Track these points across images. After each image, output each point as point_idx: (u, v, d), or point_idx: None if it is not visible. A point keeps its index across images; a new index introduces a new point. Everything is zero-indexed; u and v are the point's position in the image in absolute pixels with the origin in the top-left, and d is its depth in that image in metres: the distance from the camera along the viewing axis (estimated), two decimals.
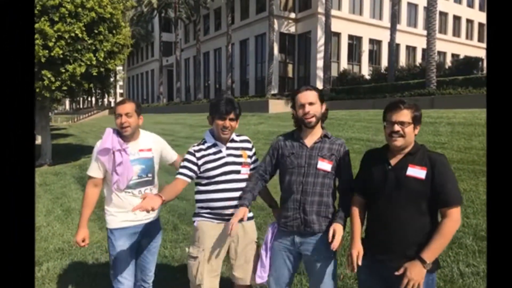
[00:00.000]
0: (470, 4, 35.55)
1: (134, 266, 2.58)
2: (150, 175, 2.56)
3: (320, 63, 23.84)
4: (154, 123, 20.52)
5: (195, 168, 2.32)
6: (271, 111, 19.78)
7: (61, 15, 9.56)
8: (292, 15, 26.85)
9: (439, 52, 27.89)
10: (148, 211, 1.93)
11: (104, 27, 10.35)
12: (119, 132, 2.47)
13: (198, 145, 2.40)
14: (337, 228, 2.04)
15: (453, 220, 1.80)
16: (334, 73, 25.70)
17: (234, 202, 2.31)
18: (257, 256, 2.38)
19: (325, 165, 2.15)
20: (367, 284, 2.07)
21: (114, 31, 10.74)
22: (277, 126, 14.16)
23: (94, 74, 10.30)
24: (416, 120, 1.89)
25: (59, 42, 9.50)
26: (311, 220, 2.13)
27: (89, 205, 2.50)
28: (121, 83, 57.34)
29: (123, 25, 11.23)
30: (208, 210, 2.36)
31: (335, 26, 24.07)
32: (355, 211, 2.08)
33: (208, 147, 2.38)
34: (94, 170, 2.48)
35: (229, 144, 2.41)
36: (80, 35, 9.74)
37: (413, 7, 31.00)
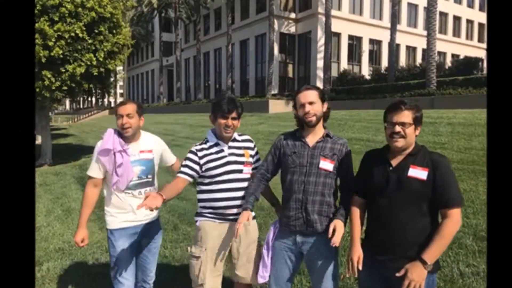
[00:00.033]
0: (470, 5, 35.56)
1: (134, 267, 2.58)
2: (150, 176, 2.56)
3: (320, 63, 23.85)
4: (154, 123, 20.53)
5: (196, 167, 2.33)
6: (271, 111, 19.79)
7: (61, 14, 9.55)
8: (292, 15, 26.86)
9: (439, 52, 27.89)
10: (151, 210, 1.94)
11: (105, 27, 10.34)
12: (120, 133, 2.47)
13: (200, 144, 2.41)
14: (338, 225, 2.04)
15: (453, 221, 1.80)
16: (334, 73, 25.71)
17: (236, 202, 2.32)
18: (259, 256, 2.38)
19: (327, 165, 2.15)
20: (367, 284, 2.06)
21: (114, 31, 10.73)
22: (277, 126, 14.16)
23: (95, 74, 10.30)
24: (417, 121, 1.89)
25: (59, 42, 9.49)
26: (314, 219, 2.14)
27: (88, 205, 2.50)
28: (121, 83, 57.33)
29: (123, 25, 11.22)
30: (210, 210, 2.37)
31: (335, 26, 24.08)
32: (355, 212, 2.08)
33: (210, 146, 2.38)
34: (94, 170, 2.48)
35: (231, 144, 2.41)
36: (80, 34, 9.74)
37: (413, 7, 31.00)
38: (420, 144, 1.98)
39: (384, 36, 26.80)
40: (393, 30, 21.33)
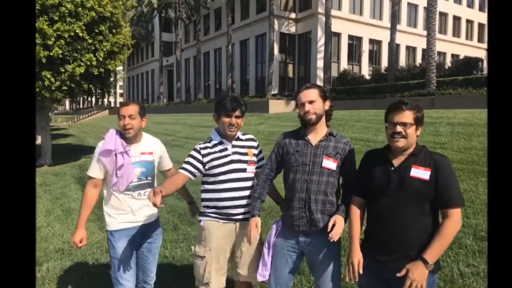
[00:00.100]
0: (470, 5, 35.57)
1: (135, 267, 2.58)
2: (149, 178, 2.56)
3: (320, 63, 23.85)
4: (154, 123, 20.53)
5: (198, 165, 2.33)
6: (271, 111, 19.80)
7: (61, 14, 9.55)
8: (292, 15, 26.86)
9: (439, 53, 27.90)
10: (157, 207, 2.01)
11: (105, 27, 10.33)
12: (122, 134, 2.47)
13: (204, 143, 2.42)
14: (338, 220, 2.04)
15: (454, 221, 1.80)
16: (334, 73, 25.70)
17: (240, 202, 2.33)
18: (260, 254, 2.38)
19: (330, 164, 2.15)
20: (367, 285, 2.06)
21: (114, 31, 10.72)
22: (277, 126, 14.16)
23: (95, 74, 10.29)
24: (418, 121, 1.88)
25: (59, 41, 9.48)
26: (317, 218, 2.13)
27: (88, 205, 2.49)
28: (121, 83, 57.33)
29: (123, 25, 11.21)
30: (214, 210, 2.37)
31: (335, 26, 24.08)
32: (354, 212, 2.07)
33: (214, 145, 2.39)
34: (95, 171, 2.48)
35: (234, 142, 2.42)
36: (80, 34, 9.73)
37: (413, 7, 31.01)
38: (420, 144, 1.98)
39: (384, 36, 26.80)
40: (393, 30, 21.33)
